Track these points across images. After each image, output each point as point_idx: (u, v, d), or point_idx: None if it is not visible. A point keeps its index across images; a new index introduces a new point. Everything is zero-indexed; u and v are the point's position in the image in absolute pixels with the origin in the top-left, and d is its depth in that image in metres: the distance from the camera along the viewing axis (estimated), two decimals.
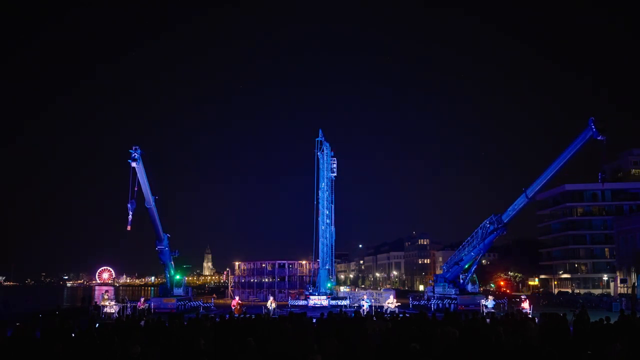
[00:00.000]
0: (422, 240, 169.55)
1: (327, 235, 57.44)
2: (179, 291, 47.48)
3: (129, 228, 37.13)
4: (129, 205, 37.07)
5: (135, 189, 37.94)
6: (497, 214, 44.64)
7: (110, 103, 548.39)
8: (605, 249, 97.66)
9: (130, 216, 36.91)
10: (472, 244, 47.26)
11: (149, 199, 41.56)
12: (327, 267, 57.27)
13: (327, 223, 57.33)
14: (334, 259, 59.30)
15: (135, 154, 37.66)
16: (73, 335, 15.46)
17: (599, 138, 36.61)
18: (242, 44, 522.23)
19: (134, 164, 37.56)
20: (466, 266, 47.77)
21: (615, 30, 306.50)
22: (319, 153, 58.04)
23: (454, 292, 47.32)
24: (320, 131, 58.91)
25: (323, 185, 57.41)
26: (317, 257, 58.41)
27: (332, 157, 58.18)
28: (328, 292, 55.01)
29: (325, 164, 57.69)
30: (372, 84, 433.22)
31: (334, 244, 58.89)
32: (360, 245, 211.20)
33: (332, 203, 57.85)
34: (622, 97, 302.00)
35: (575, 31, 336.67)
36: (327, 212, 57.32)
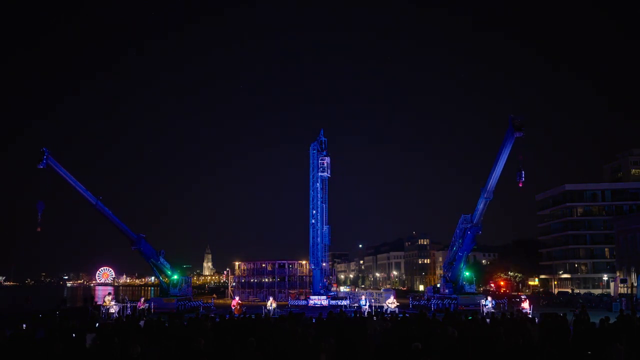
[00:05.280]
0: (422, 240, 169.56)
1: (315, 235, 57.04)
2: (174, 291, 47.47)
3: (38, 229, 37.35)
4: (37, 206, 37.22)
5: (45, 190, 38.77)
6: (468, 214, 46.47)
7: (112, 105, 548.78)
8: (605, 249, 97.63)
9: (39, 217, 37.03)
10: (456, 244, 48.66)
11: (89, 199, 41.64)
12: (312, 267, 57.35)
13: (312, 223, 57.05)
14: (326, 259, 58.65)
15: (43, 157, 38.17)
16: (74, 335, 15.46)
17: (515, 135, 36.31)
18: (241, 45, 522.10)
19: (40, 166, 38.18)
20: (461, 265, 48.23)
21: (614, 31, 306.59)
22: (313, 152, 57.73)
23: (448, 292, 47.69)
24: (322, 131, 58.72)
25: (317, 185, 57.17)
26: (315, 257, 58.22)
27: (324, 156, 57.46)
28: (328, 292, 54.91)
29: (316, 163, 57.33)
30: (373, 84, 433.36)
31: (327, 244, 58.22)
32: (360, 245, 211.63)
33: (324, 202, 57.44)
34: (622, 97, 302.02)
35: (574, 33, 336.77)
36: (314, 212, 57.02)
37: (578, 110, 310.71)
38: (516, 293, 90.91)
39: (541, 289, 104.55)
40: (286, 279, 75.16)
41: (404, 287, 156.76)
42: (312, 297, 53.08)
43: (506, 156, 38.81)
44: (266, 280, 76.75)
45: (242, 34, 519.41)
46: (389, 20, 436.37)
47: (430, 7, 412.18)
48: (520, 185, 35.15)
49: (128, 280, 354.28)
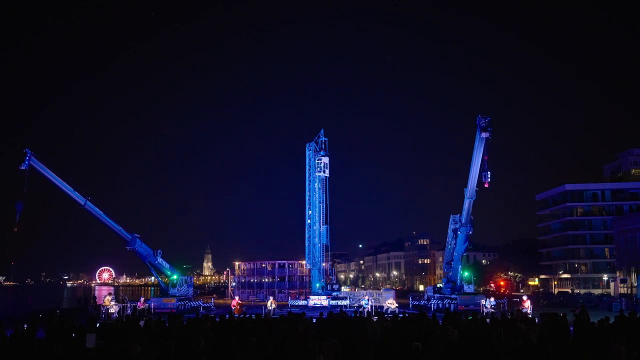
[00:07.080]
0: (422, 240, 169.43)
1: (312, 235, 56.97)
2: (174, 291, 47.44)
3: (15, 229, 37.50)
4: (16, 207, 37.29)
5: (25, 190, 38.11)
6: (456, 214, 46.84)
7: (108, 103, 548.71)
8: (605, 249, 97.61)
9: (17, 218, 37.19)
10: (450, 245, 48.98)
11: (77, 199, 41.60)
12: (308, 267, 57.40)
13: (308, 223, 57.00)
14: (324, 258, 58.34)
15: (25, 157, 38.24)
16: (73, 335, 15.45)
17: (482, 135, 36.40)
18: (238, 46, 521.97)
19: (22, 167, 38.26)
20: (457, 265, 48.40)
21: (615, 30, 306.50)
22: (309, 152, 57.62)
23: (447, 292, 47.75)
24: (322, 131, 58.56)
25: (315, 185, 57.09)
26: (312, 257, 58.07)
27: (321, 156, 56.89)
28: (329, 291, 54.75)
29: (312, 163, 57.29)
30: (373, 84, 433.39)
31: (324, 244, 57.70)
32: (360, 245, 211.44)
33: (321, 202, 57.35)
34: (623, 97, 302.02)
35: (576, 32, 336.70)
36: (310, 212, 56.98)
37: (578, 110, 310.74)
38: (517, 293, 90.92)
39: (541, 289, 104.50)
40: (286, 279, 75.17)
41: (403, 287, 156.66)
42: (312, 297, 53.01)
43: (480, 156, 38.90)
44: (266, 280, 76.76)
45: (243, 33, 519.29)
46: (389, 20, 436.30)
47: (431, 7, 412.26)
48: (486, 185, 36.07)
49: (128, 280, 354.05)
